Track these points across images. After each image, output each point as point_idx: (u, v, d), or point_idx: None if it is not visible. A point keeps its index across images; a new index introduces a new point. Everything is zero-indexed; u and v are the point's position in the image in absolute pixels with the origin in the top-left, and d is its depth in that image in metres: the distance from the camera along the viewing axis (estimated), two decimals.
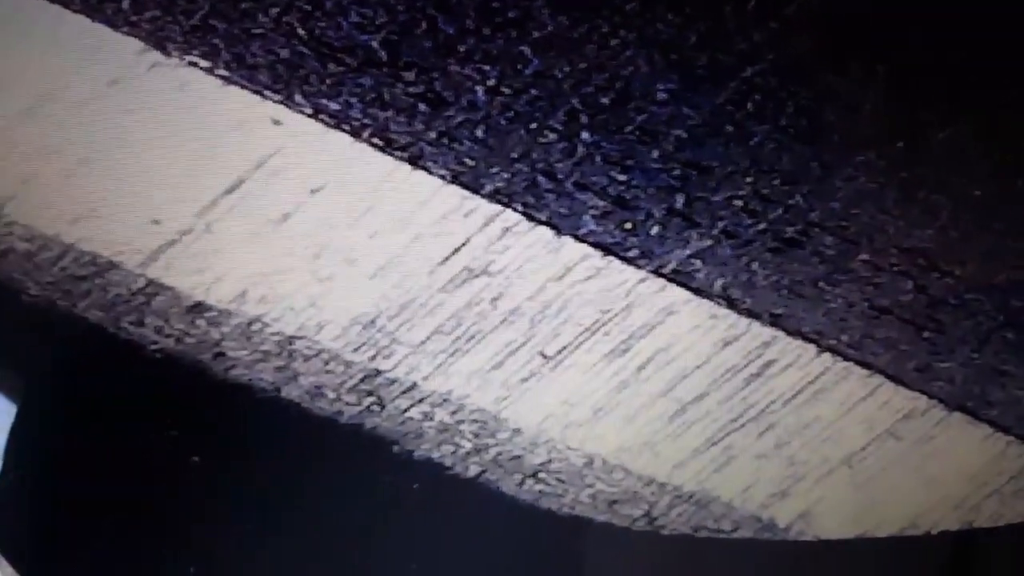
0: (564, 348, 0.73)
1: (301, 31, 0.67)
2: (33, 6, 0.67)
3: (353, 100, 0.68)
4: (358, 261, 0.71)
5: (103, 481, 0.76)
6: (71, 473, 0.76)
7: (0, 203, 0.70)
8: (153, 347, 0.73)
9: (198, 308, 0.73)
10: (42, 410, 0.77)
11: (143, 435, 0.75)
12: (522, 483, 0.75)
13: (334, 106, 0.68)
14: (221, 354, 0.73)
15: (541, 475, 0.75)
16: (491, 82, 0.68)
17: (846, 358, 0.73)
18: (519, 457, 0.75)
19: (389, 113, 0.68)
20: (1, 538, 0.75)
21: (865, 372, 0.73)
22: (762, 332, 0.72)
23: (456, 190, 0.70)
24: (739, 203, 0.70)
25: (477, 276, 0.72)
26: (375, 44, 0.67)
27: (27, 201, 0.71)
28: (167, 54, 0.68)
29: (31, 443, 0.77)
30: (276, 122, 0.69)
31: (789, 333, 0.72)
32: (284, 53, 0.68)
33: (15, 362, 0.78)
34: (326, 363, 0.73)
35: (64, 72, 0.68)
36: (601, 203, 0.70)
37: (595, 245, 0.71)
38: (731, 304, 0.72)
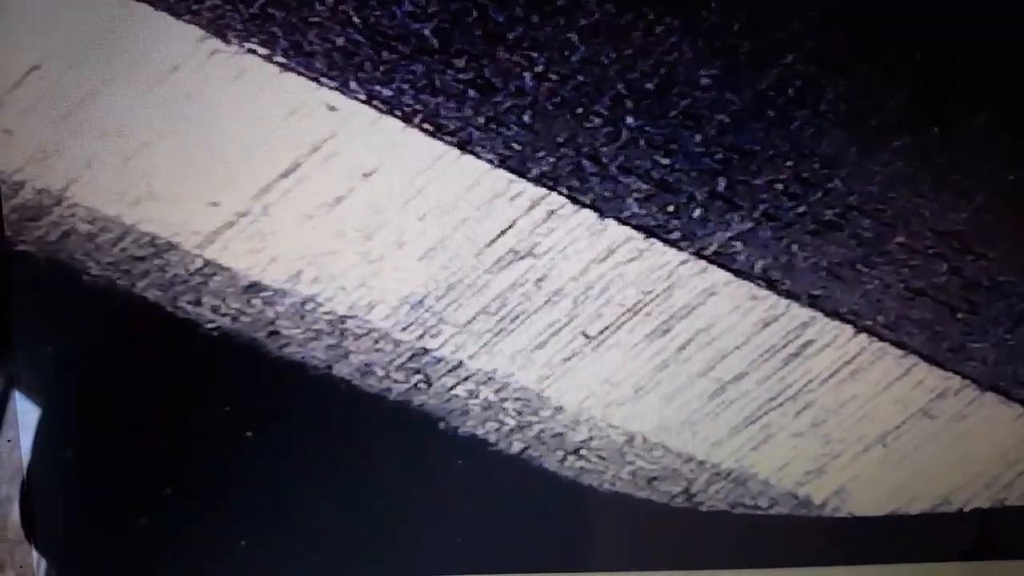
0: (606, 328, 0.73)
1: (356, 19, 0.68)
2: None
3: (405, 87, 0.69)
4: (408, 243, 0.72)
5: (153, 457, 0.76)
6: (118, 445, 0.76)
7: (63, 185, 0.71)
8: (209, 325, 0.74)
9: (254, 288, 0.73)
10: (95, 381, 0.76)
11: (197, 410, 0.76)
12: (564, 460, 0.75)
13: (387, 92, 0.69)
14: (275, 332, 0.74)
15: (582, 452, 0.75)
16: (539, 68, 0.68)
17: (882, 338, 0.73)
18: (561, 434, 0.75)
19: (440, 99, 0.69)
20: (35, 523, 0.76)
21: (900, 352, 0.73)
22: (800, 313, 0.72)
23: (503, 174, 0.71)
24: (779, 186, 0.70)
25: (522, 258, 0.72)
26: (427, 32, 0.68)
27: (89, 183, 0.71)
28: (227, 42, 0.69)
29: (80, 411, 0.76)
30: (331, 108, 0.70)
31: (827, 314, 0.72)
32: (340, 41, 0.68)
33: (68, 333, 0.77)
34: (376, 342, 0.74)
35: (127, 58, 0.69)
36: (644, 186, 0.70)
37: (638, 227, 0.71)
38: (771, 285, 0.72)
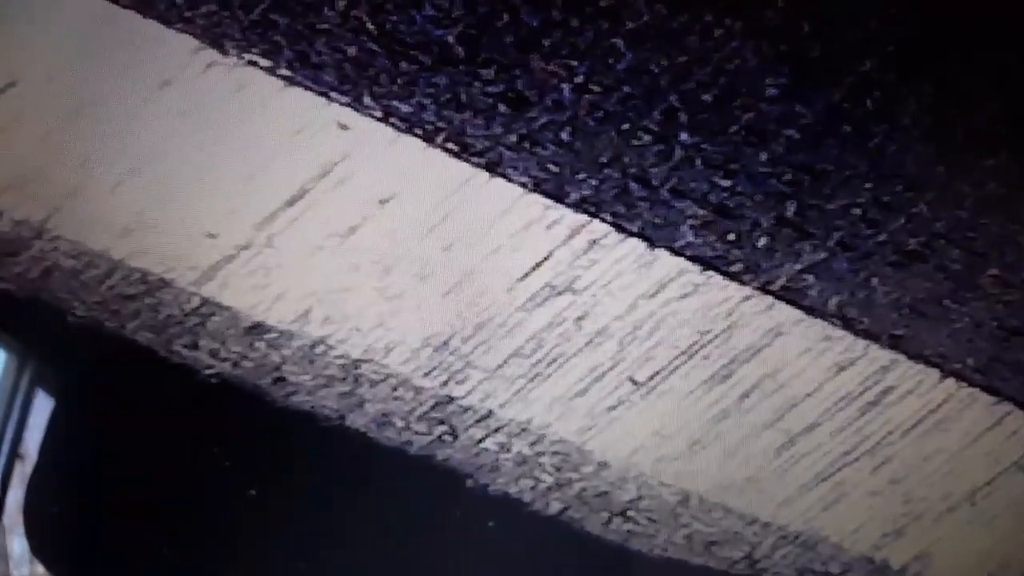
0: (657, 373, 0.71)
1: (370, 26, 0.66)
2: (77, 2, 0.66)
3: (426, 101, 0.67)
4: (430, 277, 0.70)
5: (148, 513, 0.74)
6: (110, 503, 0.75)
7: (44, 216, 0.69)
8: (208, 371, 0.72)
9: (257, 329, 0.71)
10: (81, 433, 0.76)
11: (195, 466, 0.74)
12: (609, 522, 0.73)
13: (406, 108, 0.67)
14: (281, 379, 0.72)
15: (630, 513, 0.73)
16: (579, 79, 0.66)
17: (971, 384, 0.70)
18: (606, 493, 0.73)
19: (466, 115, 0.67)
20: (35, 541, 0.75)
21: (992, 399, 0.71)
22: (880, 355, 0.70)
23: (538, 199, 0.69)
24: (857, 212, 0.68)
25: (560, 293, 0.70)
26: (451, 39, 0.66)
27: (73, 214, 0.70)
28: (224, 53, 0.67)
29: (66, 467, 0.76)
30: (342, 126, 0.68)
31: (910, 356, 0.70)
32: (352, 51, 0.66)
33: (52, 379, 0.77)
34: (394, 389, 0.72)
35: (112, 73, 0.67)
36: (701, 212, 0.68)
37: (693, 259, 0.69)
38: (847, 324, 0.70)
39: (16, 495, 0.75)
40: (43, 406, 0.76)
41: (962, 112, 0.66)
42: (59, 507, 0.75)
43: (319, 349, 0.71)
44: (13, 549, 0.75)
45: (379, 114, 0.67)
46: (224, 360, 0.72)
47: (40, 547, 0.75)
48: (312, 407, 0.73)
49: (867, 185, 0.67)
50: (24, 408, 0.75)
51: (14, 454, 0.75)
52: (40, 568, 0.75)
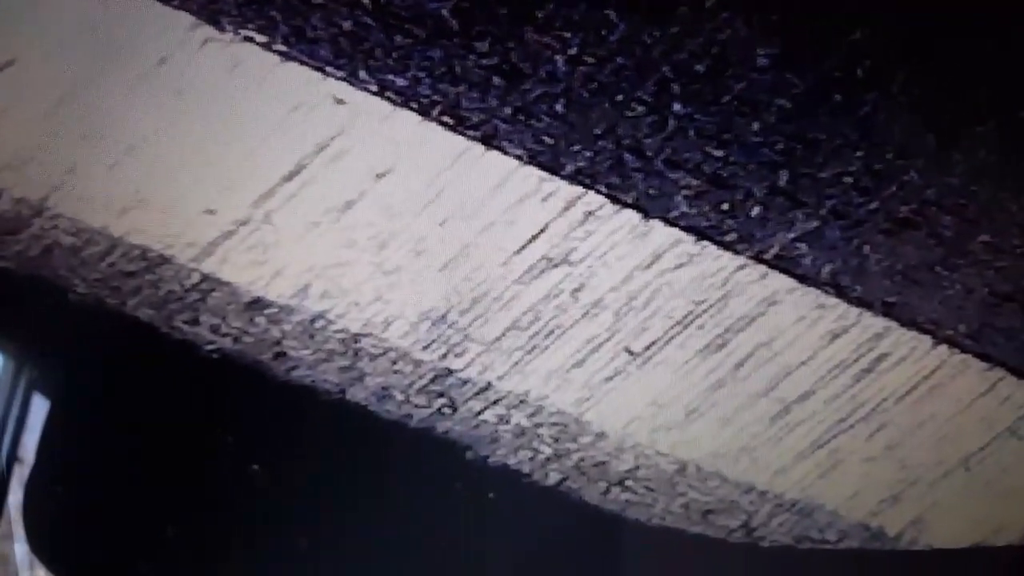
0: (653, 343, 0.71)
1: (365, 0, 0.65)
2: None
3: (422, 75, 0.66)
4: (427, 251, 0.70)
5: (150, 490, 0.75)
6: (113, 480, 0.76)
7: (44, 194, 0.69)
8: (209, 347, 0.72)
9: (257, 304, 0.71)
10: (83, 410, 0.77)
11: (196, 441, 0.74)
12: (607, 492, 0.74)
13: (401, 82, 0.67)
14: (282, 354, 0.72)
15: (628, 483, 0.74)
16: (572, 51, 0.66)
17: (964, 350, 0.70)
18: (603, 463, 0.73)
19: (461, 88, 0.67)
20: (35, 539, 0.76)
21: (984, 365, 0.71)
22: (874, 323, 0.70)
23: (533, 171, 0.68)
24: (848, 180, 0.67)
25: (556, 266, 0.70)
26: (445, 12, 0.65)
27: (72, 192, 0.69)
28: (220, 29, 0.66)
29: (68, 445, 0.77)
30: (339, 101, 0.67)
31: (903, 324, 0.70)
32: (347, 25, 0.66)
33: (54, 357, 0.78)
34: (394, 362, 0.72)
35: (109, 51, 0.67)
36: (695, 182, 0.68)
37: (688, 229, 0.69)
38: (840, 292, 0.70)
39: (15, 499, 0.75)
40: (41, 407, 0.76)
41: (952, 80, 0.65)
42: (61, 490, 0.75)
43: (319, 324, 0.72)
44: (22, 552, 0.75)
45: (374, 88, 0.67)
46: (225, 335, 0.72)
47: (39, 542, 0.75)
48: (313, 381, 0.73)
49: (858, 153, 0.67)
50: (22, 411, 0.75)
51: (13, 457, 0.75)
52: (40, 573, 0.75)
